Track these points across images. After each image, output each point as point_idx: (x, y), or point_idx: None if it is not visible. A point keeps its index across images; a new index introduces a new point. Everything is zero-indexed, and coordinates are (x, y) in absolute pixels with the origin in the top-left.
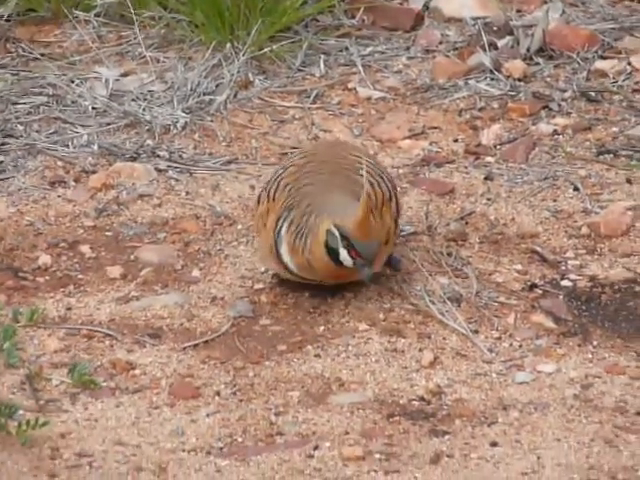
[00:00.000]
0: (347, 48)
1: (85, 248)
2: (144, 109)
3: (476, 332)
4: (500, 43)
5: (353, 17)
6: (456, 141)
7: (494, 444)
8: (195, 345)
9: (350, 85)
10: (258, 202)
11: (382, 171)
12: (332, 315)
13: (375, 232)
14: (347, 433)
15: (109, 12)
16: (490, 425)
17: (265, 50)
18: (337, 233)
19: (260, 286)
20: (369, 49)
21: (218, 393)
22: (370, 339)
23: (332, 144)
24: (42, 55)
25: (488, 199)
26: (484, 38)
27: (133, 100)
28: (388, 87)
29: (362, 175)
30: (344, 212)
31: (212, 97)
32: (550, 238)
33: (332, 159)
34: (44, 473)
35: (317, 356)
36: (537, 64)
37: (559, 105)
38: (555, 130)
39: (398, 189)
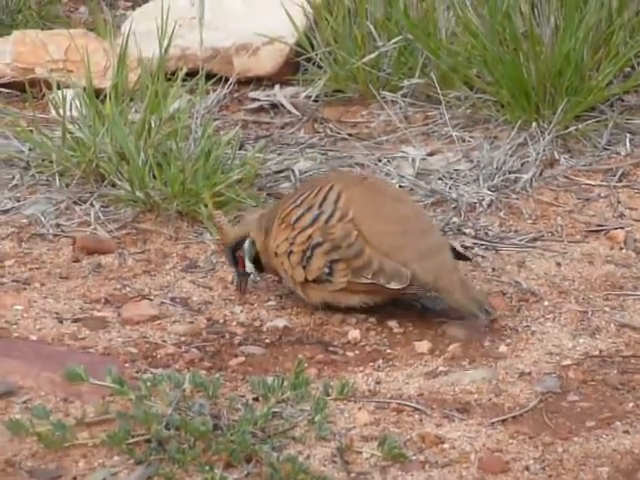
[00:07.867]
0: None
1: (393, 323)
2: (450, 187)
3: None
4: None
5: None
6: None
7: None
8: (503, 420)
9: None
10: None
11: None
12: None
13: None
14: None
15: (415, 93)
16: None
17: (571, 129)
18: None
19: (567, 362)
20: None
21: (527, 468)
22: None
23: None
24: (350, 135)
25: None
26: None
27: (439, 179)
28: None
29: None
30: None
31: (518, 175)
32: None
33: None
34: None
35: (626, 432)
36: None
37: None
38: None
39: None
